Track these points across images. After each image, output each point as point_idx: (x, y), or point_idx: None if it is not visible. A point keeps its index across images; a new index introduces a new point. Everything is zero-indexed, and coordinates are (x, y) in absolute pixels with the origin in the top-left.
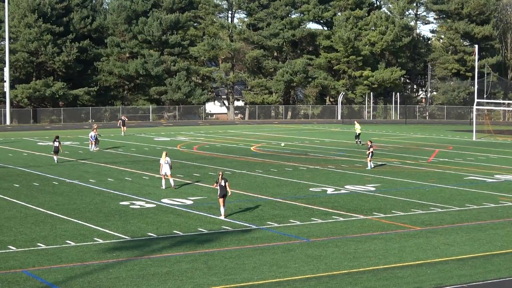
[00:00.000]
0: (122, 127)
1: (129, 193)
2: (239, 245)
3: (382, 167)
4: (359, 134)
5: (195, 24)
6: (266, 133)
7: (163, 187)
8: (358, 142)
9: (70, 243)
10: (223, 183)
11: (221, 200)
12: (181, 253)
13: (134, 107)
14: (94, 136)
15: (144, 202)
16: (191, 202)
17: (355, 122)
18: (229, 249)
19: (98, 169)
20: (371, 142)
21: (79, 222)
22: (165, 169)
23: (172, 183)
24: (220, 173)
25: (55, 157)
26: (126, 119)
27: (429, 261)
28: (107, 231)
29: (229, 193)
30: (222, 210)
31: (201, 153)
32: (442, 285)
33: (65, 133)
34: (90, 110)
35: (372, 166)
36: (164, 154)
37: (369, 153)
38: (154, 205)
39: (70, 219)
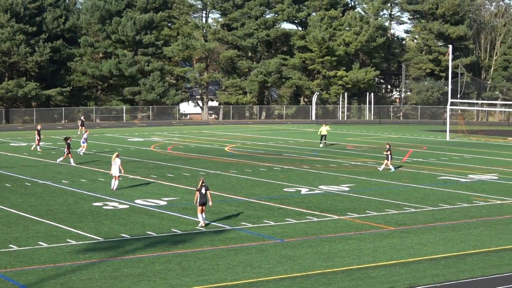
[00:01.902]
0: (80, 127)
1: (103, 194)
2: (213, 245)
3: (357, 167)
4: (325, 135)
5: (169, 24)
6: (240, 133)
7: (112, 187)
8: (323, 144)
9: (43, 245)
10: (203, 191)
11: (199, 208)
12: (154, 254)
13: (108, 107)
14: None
15: (118, 203)
16: (165, 202)
17: (323, 124)
18: (203, 249)
19: (71, 170)
20: (389, 145)
21: (52, 223)
22: (113, 170)
23: (115, 185)
24: (201, 179)
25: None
26: (84, 120)
27: (402, 261)
28: (80, 232)
29: (210, 203)
30: (200, 217)
31: (175, 153)
32: (415, 284)
33: None
34: (63, 111)
35: (390, 169)
36: (114, 155)
37: (387, 155)
38: (127, 206)
39: (42, 220)
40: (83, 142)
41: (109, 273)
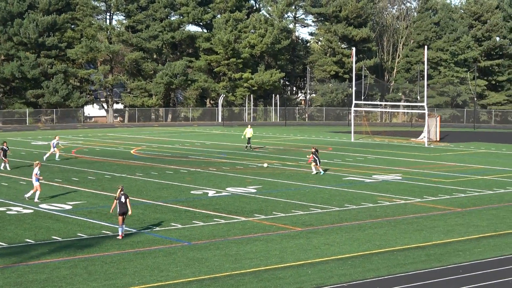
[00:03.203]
0: None
1: (6, 198)
2: (120, 249)
3: (263, 168)
4: (249, 138)
5: (73, 26)
6: (146, 136)
7: (26, 195)
8: (248, 147)
9: None
10: (123, 199)
11: (120, 218)
12: (60, 259)
13: (10, 110)
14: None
15: (22, 208)
16: (70, 207)
17: (248, 126)
18: (110, 253)
19: None
20: (315, 149)
21: None
22: (33, 179)
23: (30, 195)
24: (120, 187)
25: (6, 164)
26: None
27: (309, 261)
28: None
29: (130, 212)
30: (120, 229)
31: (80, 157)
32: (322, 284)
33: None
34: None
35: (320, 172)
36: (35, 163)
37: (312, 158)
38: (32, 211)
39: None
40: (54, 147)
41: (14, 279)
